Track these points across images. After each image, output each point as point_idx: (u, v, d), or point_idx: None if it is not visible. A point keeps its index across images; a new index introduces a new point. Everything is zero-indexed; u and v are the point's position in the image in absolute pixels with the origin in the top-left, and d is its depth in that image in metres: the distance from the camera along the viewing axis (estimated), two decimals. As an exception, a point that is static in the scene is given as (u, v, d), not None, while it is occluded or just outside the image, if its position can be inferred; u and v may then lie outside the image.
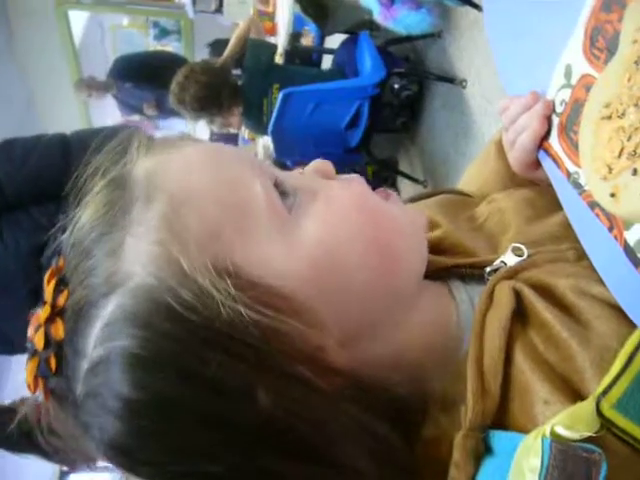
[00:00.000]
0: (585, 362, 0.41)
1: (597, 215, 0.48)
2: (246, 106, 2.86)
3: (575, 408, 0.38)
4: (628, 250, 0.44)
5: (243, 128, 3.41)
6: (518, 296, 0.48)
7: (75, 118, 5.83)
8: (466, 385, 0.43)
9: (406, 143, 3.54)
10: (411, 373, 0.48)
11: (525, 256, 0.53)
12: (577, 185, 0.51)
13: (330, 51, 3.36)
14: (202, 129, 4.19)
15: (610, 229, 0.46)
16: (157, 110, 4.94)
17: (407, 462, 0.44)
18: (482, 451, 0.41)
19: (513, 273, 0.51)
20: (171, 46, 6.31)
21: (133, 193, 0.45)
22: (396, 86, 3.03)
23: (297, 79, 2.80)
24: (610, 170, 0.42)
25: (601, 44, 0.48)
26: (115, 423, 0.40)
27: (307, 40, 3.72)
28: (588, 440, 0.37)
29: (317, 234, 0.46)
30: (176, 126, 5.11)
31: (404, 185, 3.45)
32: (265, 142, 3.60)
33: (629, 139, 0.41)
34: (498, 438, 0.41)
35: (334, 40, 3.33)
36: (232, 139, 4.87)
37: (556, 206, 0.55)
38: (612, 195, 0.42)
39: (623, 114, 0.42)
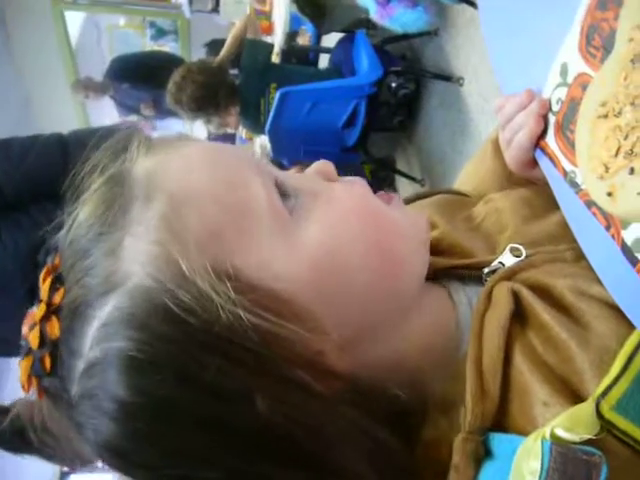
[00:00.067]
0: (584, 363, 0.41)
1: (594, 214, 0.47)
2: (243, 106, 2.86)
3: (575, 410, 0.38)
4: (625, 249, 0.44)
5: (240, 128, 3.40)
6: (517, 297, 0.48)
7: (72, 119, 5.82)
8: (465, 387, 0.43)
9: (403, 142, 3.54)
10: (410, 375, 0.48)
11: (523, 256, 0.53)
12: (574, 184, 0.50)
13: (327, 50, 3.35)
14: (199, 129, 4.18)
15: (607, 228, 0.46)
16: (154, 110, 4.94)
17: (407, 465, 0.43)
18: (482, 454, 0.41)
19: (511, 274, 0.51)
20: (168, 46, 6.30)
21: (132, 192, 0.45)
22: (393, 85, 3.03)
23: (294, 78, 2.79)
24: (607, 169, 0.42)
25: (597, 42, 0.48)
26: (110, 425, 0.40)
27: (304, 39, 3.71)
28: (588, 442, 0.36)
29: (319, 237, 0.46)
30: (173, 126, 5.11)
31: (402, 184, 3.44)
32: (262, 141, 3.59)
33: (626, 138, 0.41)
34: (498, 440, 0.41)
35: (331, 39, 3.33)
36: (230, 139, 4.86)
37: (554, 206, 0.55)
38: (609, 194, 0.42)
39: (619, 113, 0.42)
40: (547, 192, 0.56)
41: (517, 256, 0.53)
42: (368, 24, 2.83)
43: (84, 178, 0.49)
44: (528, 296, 0.47)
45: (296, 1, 2.97)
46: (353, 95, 2.73)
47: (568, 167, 0.51)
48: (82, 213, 0.47)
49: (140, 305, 0.40)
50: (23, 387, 0.46)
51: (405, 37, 2.96)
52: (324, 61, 3.47)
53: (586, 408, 0.38)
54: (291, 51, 3.40)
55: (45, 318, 0.45)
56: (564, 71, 0.52)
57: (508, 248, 0.54)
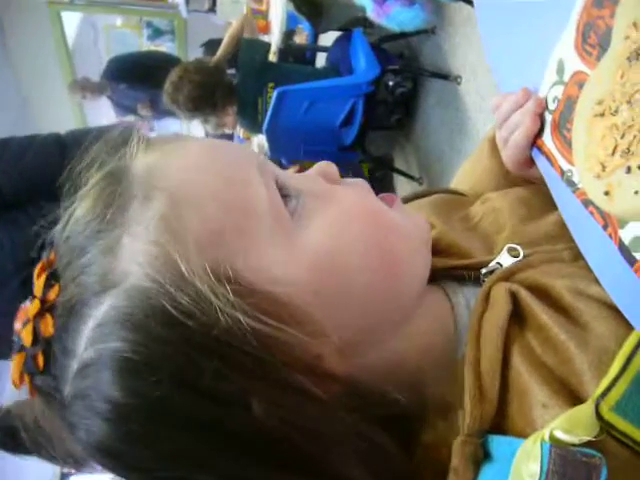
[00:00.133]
0: (583, 364, 0.41)
1: (591, 213, 0.47)
2: (241, 105, 2.86)
3: (574, 411, 0.38)
4: (623, 249, 0.44)
5: (238, 127, 3.40)
6: (515, 298, 0.47)
7: (70, 119, 5.82)
8: (464, 389, 0.43)
9: (401, 140, 3.54)
10: (409, 378, 0.48)
11: (521, 257, 0.53)
12: (571, 183, 0.50)
13: (324, 49, 3.35)
14: (197, 129, 4.18)
15: (605, 227, 0.46)
16: (151, 111, 4.93)
17: (405, 469, 0.43)
18: (481, 456, 0.40)
19: (509, 274, 0.51)
20: (165, 46, 6.30)
21: (132, 190, 0.44)
22: (390, 83, 3.02)
23: (292, 77, 2.79)
24: (604, 168, 0.42)
25: (593, 40, 0.48)
26: (102, 426, 0.39)
27: (301, 38, 3.71)
28: (588, 444, 0.36)
29: (320, 240, 0.45)
30: (171, 127, 5.11)
31: (400, 182, 3.44)
32: (260, 141, 3.59)
33: (622, 137, 0.41)
34: (497, 443, 0.40)
35: (328, 38, 3.33)
36: (227, 139, 4.86)
37: (551, 205, 0.55)
38: (606, 193, 0.42)
39: (616, 111, 0.42)
40: (544, 191, 0.56)
41: (515, 256, 0.53)
42: (365, 22, 2.83)
43: (82, 172, 0.49)
44: (526, 297, 0.47)
45: (293, 0, 2.97)
46: (350, 94, 2.72)
47: (565, 166, 0.51)
48: (79, 209, 0.46)
49: (137, 306, 0.40)
50: (14, 384, 0.45)
51: (402, 35, 2.95)
52: (321, 60, 3.47)
53: (585, 409, 0.38)
54: (288, 50, 3.40)
55: (39, 315, 0.44)
56: (560, 69, 0.52)
57: (506, 248, 0.54)
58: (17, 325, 0.45)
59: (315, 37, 3.64)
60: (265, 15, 4.08)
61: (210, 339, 0.39)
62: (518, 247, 0.53)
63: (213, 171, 0.46)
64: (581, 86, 0.48)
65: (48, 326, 0.43)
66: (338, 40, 3.05)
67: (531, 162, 0.58)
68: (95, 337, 0.40)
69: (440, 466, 0.41)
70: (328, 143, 2.91)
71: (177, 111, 2.79)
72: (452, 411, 0.44)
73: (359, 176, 0.55)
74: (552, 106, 0.53)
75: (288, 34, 3.61)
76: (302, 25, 3.69)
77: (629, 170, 0.40)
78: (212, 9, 5.15)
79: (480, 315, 0.47)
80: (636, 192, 0.39)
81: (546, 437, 0.36)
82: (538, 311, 0.45)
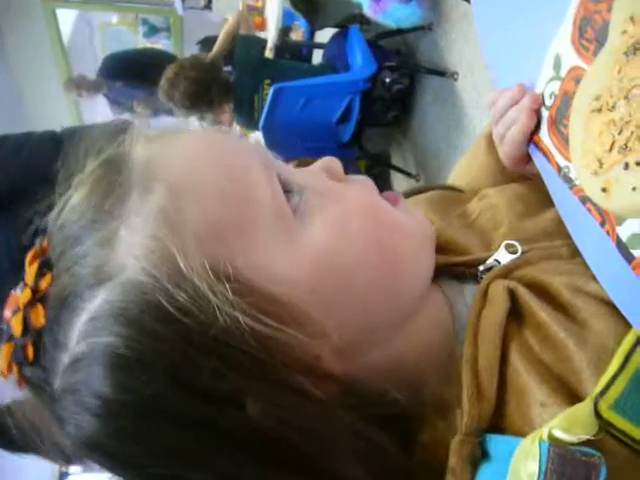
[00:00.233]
0: (582, 362, 0.41)
1: (589, 210, 0.47)
2: (237, 102, 2.85)
3: (573, 410, 0.37)
4: (621, 246, 0.43)
5: (234, 125, 3.40)
6: (513, 295, 0.47)
7: (66, 117, 5.80)
8: (462, 388, 0.42)
9: (398, 137, 3.54)
10: (408, 377, 0.47)
11: (519, 253, 0.52)
12: (568, 179, 0.50)
13: (320, 46, 3.35)
14: (193, 127, 4.17)
15: (602, 224, 0.45)
16: (147, 108, 4.92)
17: (403, 468, 0.43)
18: (479, 456, 0.40)
19: (507, 271, 0.50)
20: (160, 43, 6.28)
21: (130, 180, 0.43)
22: (387, 80, 3.01)
23: (288, 74, 2.79)
24: (601, 164, 0.42)
25: (590, 35, 0.47)
26: (92, 421, 0.39)
27: (297, 35, 3.70)
28: (586, 443, 0.36)
29: (323, 239, 0.44)
30: (167, 125, 5.09)
31: (397, 179, 3.44)
32: (256, 138, 3.59)
33: (620, 132, 0.40)
34: (495, 442, 0.40)
35: (324, 35, 3.32)
36: (224, 135, 4.84)
37: (549, 201, 0.55)
38: (604, 190, 0.41)
39: (613, 107, 0.42)
40: (542, 188, 0.56)
41: (512, 253, 0.53)
42: (362, 19, 2.83)
43: (79, 158, 0.48)
44: (524, 294, 0.47)
45: (289, -3, 2.97)
46: (347, 90, 2.72)
47: (562, 162, 0.51)
48: (75, 196, 0.45)
49: (132, 301, 0.39)
50: (2, 373, 0.44)
51: (399, 32, 2.95)
52: (318, 57, 3.46)
53: (584, 408, 0.37)
54: (284, 47, 3.39)
55: (30, 305, 0.43)
56: (557, 64, 0.51)
57: (503, 245, 0.53)
58: (7, 313, 0.44)
59: (311, 34, 3.64)
60: (261, 12, 4.08)
61: (207, 338, 0.38)
62: (516, 244, 0.53)
63: (215, 165, 0.45)
64: (578, 81, 0.47)
65: (39, 316, 0.42)
66: (334, 37, 3.05)
67: (528, 158, 0.57)
68: (88, 331, 0.39)
69: (438, 465, 0.41)
70: (325, 140, 2.91)
71: (173, 108, 2.78)
72: (450, 410, 0.43)
73: (356, 173, 0.54)
74: (549, 102, 0.53)
75: (284, 31, 3.60)
76: (298, 22, 3.68)
77: (627, 166, 0.39)
78: (208, 6, 5.14)
79: (478, 313, 0.47)
80: (634, 188, 0.39)
81: (544, 436, 0.36)
82: (536, 308, 0.45)
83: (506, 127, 0.57)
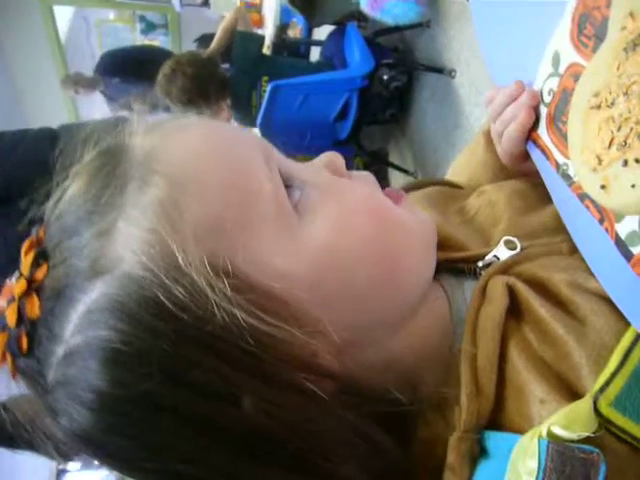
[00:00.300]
0: (582, 359, 0.41)
1: (587, 207, 0.47)
2: (234, 98, 2.84)
3: (572, 407, 0.37)
4: (619, 243, 0.43)
5: (232, 121, 3.40)
6: (512, 291, 0.47)
7: (63, 114, 5.79)
8: (460, 384, 0.42)
9: (396, 134, 3.54)
10: (406, 374, 0.47)
11: (518, 249, 0.52)
12: (566, 177, 0.50)
13: (318, 43, 3.35)
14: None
15: (601, 221, 0.45)
16: (145, 105, 4.90)
17: (401, 465, 0.43)
18: (477, 453, 0.40)
19: (506, 267, 0.50)
20: (158, 40, 6.27)
21: (130, 171, 0.42)
22: (385, 77, 3.01)
23: (286, 71, 2.78)
24: (600, 161, 0.41)
25: (589, 31, 0.47)
26: (86, 415, 0.39)
27: (294, 32, 3.70)
28: (586, 440, 0.36)
29: (324, 236, 0.44)
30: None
31: (394, 176, 3.44)
32: (254, 134, 3.59)
33: (619, 129, 0.40)
34: (493, 439, 0.40)
35: (322, 32, 3.32)
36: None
37: (548, 198, 0.55)
38: (602, 187, 0.41)
39: (612, 103, 0.41)
40: (541, 184, 0.55)
41: (512, 249, 0.52)
42: (359, 16, 2.83)
43: (77, 147, 0.47)
44: (523, 290, 0.46)
45: (286, -6, 2.96)
46: (345, 88, 2.72)
47: (560, 159, 0.51)
48: (73, 186, 0.44)
49: (129, 295, 0.38)
50: None
51: (396, 29, 2.95)
52: (315, 54, 3.46)
53: (583, 405, 0.37)
54: (282, 44, 3.39)
55: (25, 295, 0.42)
56: (556, 60, 0.51)
57: (502, 241, 0.53)
58: (1, 302, 0.43)
59: (309, 31, 3.64)
60: (259, 9, 4.08)
61: (204, 334, 0.38)
62: (515, 240, 0.53)
63: (216, 158, 0.44)
64: (577, 78, 0.47)
65: (34, 307, 0.42)
66: (332, 34, 3.04)
67: (526, 156, 0.57)
68: (83, 324, 0.39)
69: (436, 462, 0.41)
70: (323, 137, 2.91)
71: (170, 104, 2.77)
72: (449, 407, 0.43)
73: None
74: (547, 99, 0.53)
75: (282, 28, 3.60)
76: (296, 19, 3.69)
77: (626, 163, 0.39)
78: (205, 3, 5.13)
79: (477, 309, 0.47)
80: (633, 185, 0.38)
81: (544, 433, 0.36)
82: (536, 305, 0.45)
83: (504, 124, 0.57)
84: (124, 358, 0.38)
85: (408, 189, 0.69)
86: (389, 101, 3.18)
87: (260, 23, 4.01)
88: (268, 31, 3.58)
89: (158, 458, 0.39)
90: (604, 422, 0.37)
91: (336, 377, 0.43)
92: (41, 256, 0.43)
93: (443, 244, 0.56)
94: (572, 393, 0.40)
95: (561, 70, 0.51)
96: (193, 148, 0.44)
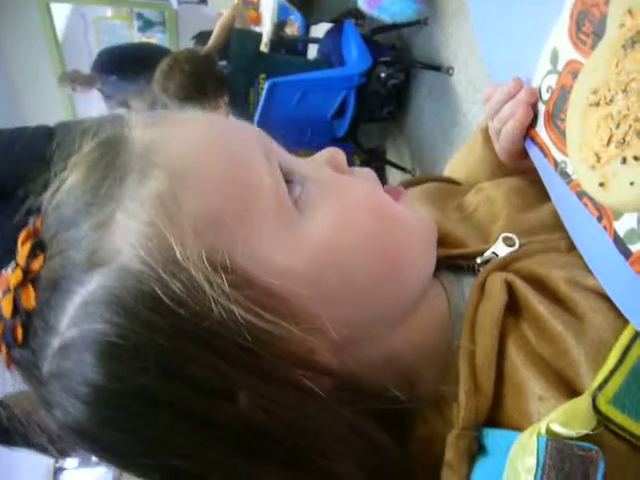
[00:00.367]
0: (580, 356, 0.41)
1: (585, 205, 0.47)
2: (232, 95, 2.84)
3: (571, 404, 0.37)
4: (618, 241, 0.43)
5: (230, 118, 3.39)
6: (510, 288, 0.47)
7: (60, 112, 5.78)
8: (458, 381, 0.42)
9: (394, 132, 3.54)
10: (405, 372, 0.47)
11: (517, 246, 0.52)
12: (564, 174, 0.50)
13: (315, 40, 3.34)
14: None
15: (599, 219, 0.45)
16: (143, 102, 4.89)
17: (399, 462, 0.43)
18: (475, 450, 0.40)
19: (505, 264, 0.50)
20: (155, 38, 6.26)
21: (129, 164, 0.42)
22: (382, 75, 3.01)
23: (284, 68, 2.78)
24: (598, 159, 0.41)
25: (587, 28, 0.47)
26: (81, 408, 0.38)
27: (292, 30, 3.70)
28: (584, 438, 0.36)
29: (324, 232, 0.44)
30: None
31: (392, 174, 3.44)
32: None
33: (618, 127, 0.40)
34: (492, 436, 0.40)
35: (319, 29, 3.32)
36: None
37: (546, 195, 0.54)
38: (601, 184, 0.41)
39: (611, 101, 0.41)
40: (540, 182, 0.55)
41: (510, 245, 0.52)
42: (357, 14, 2.83)
43: (76, 138, 0.47)
44: (522, 287, 0.46)
45: (284, -9, 2.96)
46: (342, 85, 2.72)
47: (559, 157, 0.50)
48: (72, 177, 0.44)
49: (126, 288, 0.38)
50: None
51: (394, 27, 2.94)
52: (313, 52, 3.46)
53: (582, 402, 0.37)
54: (280, 42, 3.38)
55: (21, 285, 0.42)
56: (554, 58, 0.51)
57: (501, 237, 0.53)
58: None
59: (307, 29, 3.64)
60: (256, 6, 4.07)
61: (202, 330, 0.38)
62: (513, 236, 0.53)
63: (216, 152, 0.44)
64: (575, 75, 0.47)
65: (30, 298, 0.41)
66: (330, 32, 3.04)
67: (525, 153, 0.57)
68: (79, 316, 0.39)
69: (435, 460, 0.41)
70: (320, 135, 2.91)
71: (167, 101, 2.76)
72: (447, 404, 0.43)
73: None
74: (545, 96, 0.53)
75: (279, 25, 3.60)
76: (293, 16, 3.68)
77: (624, 161, 0.39)
78: (203, 0, 5.13)
79: (475, 306, 0.46)
80: (632, 183, 0.38)
81: (542, 430, 0.36)
82: (534, 302, 0.45)
83: (502, 122, 0.57)
84: (120, 352, 0.38)
85: (406, 185, 0.69)
86: (386, 99, 3.18)
87: (258, 20, 4.01)
88: (266, 28, 3.57)
89: (154, 453, 0.39)
90: (603, 419, 0.37)
91: (334, 374, 0.42)
92: (38, 247, 0.43)
93: (442, 241, 0.56)
94: (571, 390, 0.40)
95: (559, 67, 0.51)
96: (193, 141, 0.44)
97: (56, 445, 0.45)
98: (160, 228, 0.39)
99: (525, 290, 0.46)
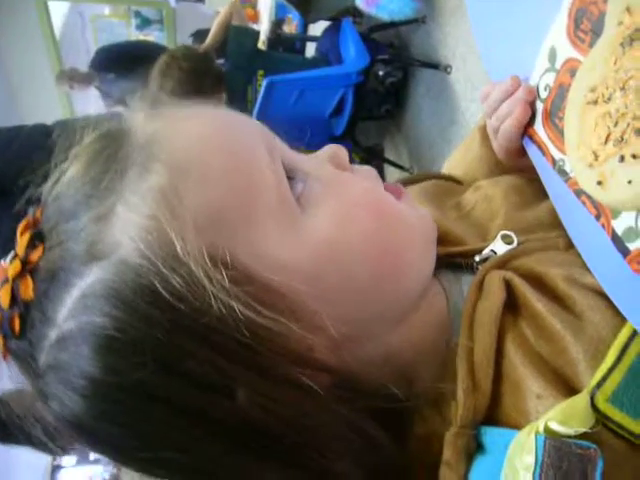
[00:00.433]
0: (579, 354, 0.41)
1: (584, 203, 0.47)
2: (229, 93, 2.83)
3: (569, 402, 0.37)
4: (616, 239, 0.43)
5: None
6: (509, 286, 0.47)
7: (58, 110, 5.77)
8: (457, 380, 0.42)
9: (392, 130, 3.54)
10: (403, 370, 0.47)
11: (515, 244, 0.52)
12: (562, 173, 0.50)
13: (313, 39, 3.34)
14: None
15: (597, 218, 0.45)
16: (141, 100, 4.87)
17: (397, 461, 0.42)
18: (473, 448, 0.40)
19: (503, 262, 0.50)
20: (153, 36, 6.25)
21: (131, 156, 0.42)
22: (380, 73, 3.01)
23: (281, 66, 2.78)
24: (596, 157, 0.41)
25: (586, 26, 0.47)
26: (78, 401, 0.38)
27: (290, 28, 3.69)
28: (583, 436, 0.36)
29: (325, 230, 0.44)
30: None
31: (390, 172, 3.44)
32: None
33: (616, 125, 0.40)
34: (490, 434, 0.40)
35: (317, 28, 3.31)
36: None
37: (544, 193, 0.54)
38: (599, 183, 0.41)
39: (609, 99, 0.41)
40: (537, 179, 0.55)
41: (508, 243, 0.52)
42: (355, 12, 2.82)
43: (77, 130, 0.46)
44: (520, 285, 0.46)
45: (282, -11, 2.96)
46: (340, 83, 2.72)
47: (557, 155, 0.50)
48: (72, 168, 0.44)
49: (125, 282, 0.38)
50: None
51: (392, 25, 2.94)
52: (310, 50, 3.45)
53: (580, 400, 0.37)
54: (277, 40, 3.38)
55: (19, 276, 0.42)
56: (552, 55, 0.51)
57: (499, 235, 0.53)
58: None
59: (304, 27, 3.63)
60: (254, 4, 4.06)
61: (200, 325, 0.37)
62: (512, 234, 0.53)
63: (219, 145, 0.43)
64: (573, 74, 0.47)
65: (28, 289, 0.41)
66: (327, 30, 3.04)
67: (522, 151, 0.57)
68: (78, 309, 0.39)
69: (433, 458, 0.41)
70: (318, 133, 2.90)
71: (165, 97, 2.75)
72: (445, 402, 0.43)
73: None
74: (543, 94, 0.53)
75: (277, 24, 3.59)
76: (291, 15, 3.67)
77: (622, 159, 0.39)
78: (201, -2, 5.12)
79: (474, 304, 0.46)
80: (630, 181, 0.38)
81: (540, 429, 0.36)
82: (533, 300, 0.45)
83: (500, 120, 0.57)
84: (118, 345, 0.37)
85: (405, 183, 0.69)
86: (384, 97, 3.18)
87: (255, 19, 4.01)
88: (263, 27, 3.57)
89: (150, 447, 0.39)
90: (601, 418, 0.37)
91: (333, 371, 0.42)
92: (37, 237, 0.43)
93: (441, 239, 0.56)
94: (569, 388, 0.40)
95: (557, 65, 0.50)
96: (195, 134, 0.44)
97: (54, 441, 0.45)
98: (161, 222, 0.39)
99: (524, 288, 0.46)
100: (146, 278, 0.38)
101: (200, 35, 4.29)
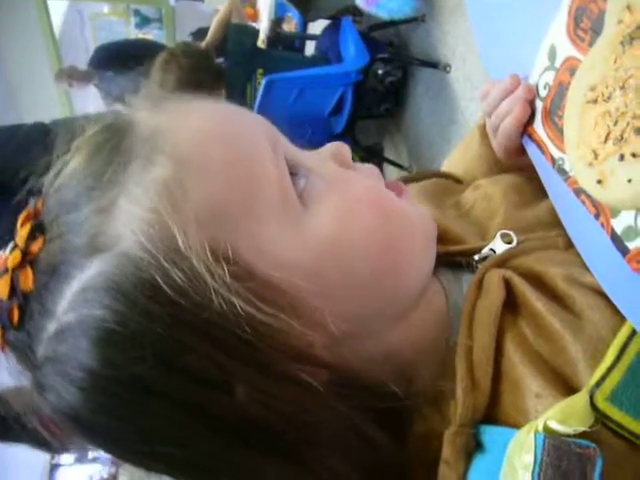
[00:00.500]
0: (578, 353, 0.41)
1: (583, 202, 0.47)
2: (229, 91, 2.83)
3: (568, 401, 0.37)
4: (615, 238, 0.43)
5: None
6: (508, 285, 0.47)
7: (57, 108, 5.76)
8: (456, 378, 0.42)
9: (391, 129, 3.53)
10: (402, 368, 0.47)
11: (514, 243, 0.52)
12: (562, 171, 0.49)
13: (313, 37, 3.34)
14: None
15: (597, 216, 0.45)
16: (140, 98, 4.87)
17: (395, 460, 0.42)
18: (472, 447, 0.40)
19: (503, 261, 0.50)
20: (152, 34, 6.24)
21: (134, 148, 0.42)
22: (380, 72, 3.00)
23: (281, 65, 2.77)
24: (596, 156, 0.41)
25: (586, 25, 0.47)
26: (76, 394, 0.38)
27: (289, 26, 3.69)
28: (582, 435, 0.36)
29: (327, 226, 0.44)
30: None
31: (389, 171, 3.44)
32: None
33: (615, 123, 0.40)
34: (489, 433, 0.40)
35: (317, 26, 3.31)
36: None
37: (543, 192, 0.54)
38: (598, 182, 0.41)
39: (609, 97, 0.41)
40: (536, 178, 0.55)
41: (508, 242, 0.52)
42: (354, 11, 2.82)
43: (79, 122, 0.46)
44: (520, 284, 0.46)
45: (281, -12, 2.96)
46: (340, 82, 2.71)
47: (556, 154, 0.50)
48: (75, 160, 0.44)
49: (126, 275, 0.38)
50: None
51: (392, 24, 2.94)
52: (310, 48, 3.45)
53: (580, 400, 0.37)
54: (277, 38, 3.38)
55: (19, 267, 0.41)
56: (552, 54, 0.51)
57: (499, 234, 0.53)
58: None
59: (304, 25, 3.63)
60: (253, 3, 4.06)
61: (201, 320, 0.37)
62: (511, 233, 0.53)
63: (220, 140, 0.43)
64: (573, 72, 0.47)
65: (28, 280, 0.41)
66: (327, 29, 3.04)
67: (522, 150, 0.57)
68: (78, 301, 0.38)
69: (432, 457, 0.41)
70: (318, 132, 2.90)
71: (164, 94, 2.74)
72: (444, 401, 0.43)
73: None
74: (543, 93, 0.52)
75: (277, 22, 3.59)
76: (291, 13, 3.67)
77: (622, 158, 0.39)
78: (200, -4, 5.12)
79: (473, 302, 0.46)
80: (629, 180, 0.38)
81: (540, 428, 0.36)
82: (532, 299, 0.45)
83: (500, 119, 0.57)
84: (117, 339, 0.37)
85: (405, 182, 0.68)
86: (384, 96, 3.18)
87: (255, 17, 4.00)
88: (263, 25, 3.57)
89: (148, 441, 0.39)
90: (600, 417, 0.37)
91: (332, 368, 0.42)
92: (37, 229, 0.43)
93: (440, 237, 0.56)
94: (568, 388, 0.40)
95: (557, 64, 0.50)
96: (201, 131, 0.44)
97: (53, 436, 0.45)
98: (163, 216, 0.39)
99: (523, 287, 0.46)
100: (147, 272, 0.38)
101: (200, 33, 4.28)
